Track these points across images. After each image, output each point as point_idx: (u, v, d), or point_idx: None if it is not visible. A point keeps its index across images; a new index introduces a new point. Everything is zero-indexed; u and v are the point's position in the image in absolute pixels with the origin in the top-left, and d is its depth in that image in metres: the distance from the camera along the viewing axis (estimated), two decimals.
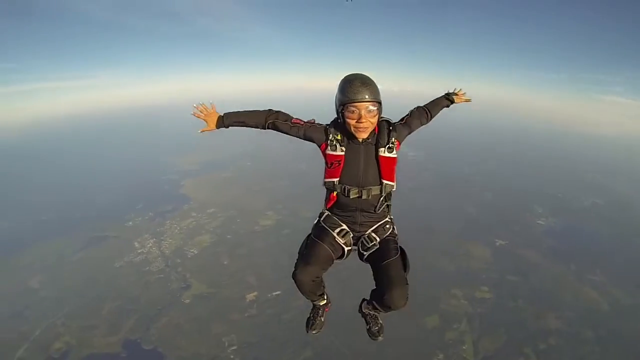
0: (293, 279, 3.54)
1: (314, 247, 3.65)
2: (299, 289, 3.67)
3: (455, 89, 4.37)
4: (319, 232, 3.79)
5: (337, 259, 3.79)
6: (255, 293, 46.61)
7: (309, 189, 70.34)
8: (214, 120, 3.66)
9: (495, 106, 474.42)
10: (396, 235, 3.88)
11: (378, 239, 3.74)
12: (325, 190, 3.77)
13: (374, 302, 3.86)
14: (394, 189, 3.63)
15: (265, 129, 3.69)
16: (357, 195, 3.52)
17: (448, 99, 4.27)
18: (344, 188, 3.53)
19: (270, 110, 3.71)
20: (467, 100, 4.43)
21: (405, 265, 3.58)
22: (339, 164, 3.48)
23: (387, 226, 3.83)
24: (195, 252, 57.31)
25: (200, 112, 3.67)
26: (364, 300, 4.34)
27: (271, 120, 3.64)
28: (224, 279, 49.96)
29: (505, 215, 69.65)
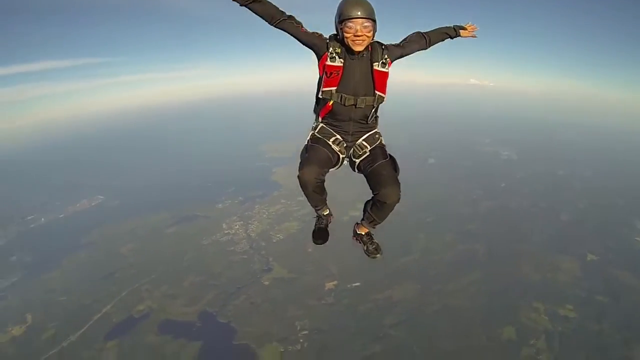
0: (298, 179, 3.63)
1: (313, 150, 3.87)
2: (303, 190, 3.79)
3: (467, 23, 4.30)
4: (316, 140, 3.99)
5: (334, 165, 4.02)
6: (335, 282, 46.76)
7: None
8: None
9: (602, 105, 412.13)
10: (384, 145, 4.12)
11: (369, 147, 4.01)
12: (317, 104, 4.03)
13: (368, 209, 4.12)
14: (384, 102, 3.84)
15: (273, 24, 3.67)
16: (353, 103, 3.75)
17: (455, 30, 4.24)
18: (341, 96, 3.73)
19: (286, 12, 3.73)
20: (473, 36, 4.36)
21: (395, 168, 3.85)
22: (338, 74, 3.65)
23: (377, 136, 4.10)
24: (281, 237, 59.17)
25: None
26: (356, 224, 4.61)
27: (285, 18, 3.68)
28: (306, 266, 50.60)
29: (600, 228, 62.30)
